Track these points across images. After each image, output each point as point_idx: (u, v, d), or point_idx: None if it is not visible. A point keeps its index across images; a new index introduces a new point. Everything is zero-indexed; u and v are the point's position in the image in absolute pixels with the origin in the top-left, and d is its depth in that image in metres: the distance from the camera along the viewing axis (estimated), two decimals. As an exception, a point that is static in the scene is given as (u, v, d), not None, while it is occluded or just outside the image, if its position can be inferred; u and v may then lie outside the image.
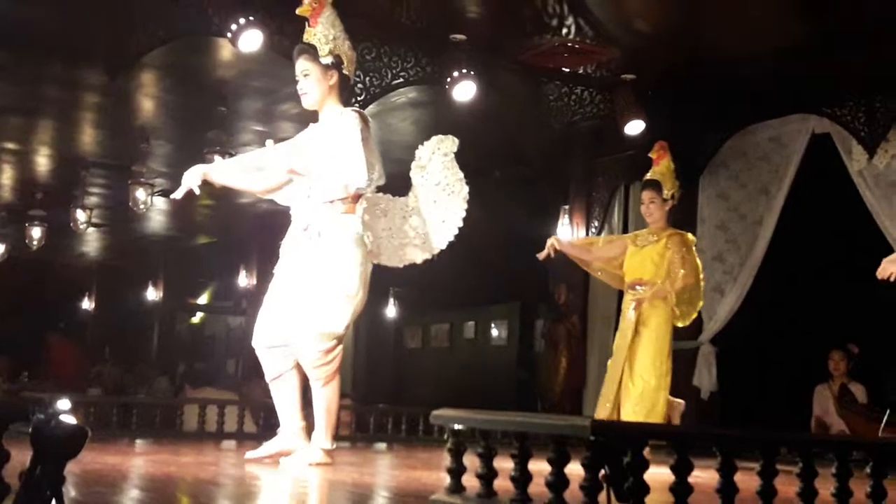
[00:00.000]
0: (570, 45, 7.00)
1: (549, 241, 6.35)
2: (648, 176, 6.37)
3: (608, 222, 8.87)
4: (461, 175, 4.79)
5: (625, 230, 8.61)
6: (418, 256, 4.78)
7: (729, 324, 8.13)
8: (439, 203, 4.74)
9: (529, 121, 7.63)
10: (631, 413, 5.96)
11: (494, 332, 11.72)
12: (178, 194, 4.69)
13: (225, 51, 7.13)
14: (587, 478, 2.48)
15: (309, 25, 4.70)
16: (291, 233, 4.63)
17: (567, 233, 9.06)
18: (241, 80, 7.99)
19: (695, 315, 6.34)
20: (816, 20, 6.50)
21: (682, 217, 8.33)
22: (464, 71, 6.97)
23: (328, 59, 4.63)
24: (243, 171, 4.83)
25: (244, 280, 14.20)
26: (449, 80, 7.01)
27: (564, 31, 6.81)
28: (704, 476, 2.93)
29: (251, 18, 6.20)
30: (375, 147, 4.67)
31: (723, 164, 8.33)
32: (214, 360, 16.51)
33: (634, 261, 6.19)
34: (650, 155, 6.42)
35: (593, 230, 8.90)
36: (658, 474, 2.68)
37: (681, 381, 8.14)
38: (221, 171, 4.87)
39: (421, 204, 4.75)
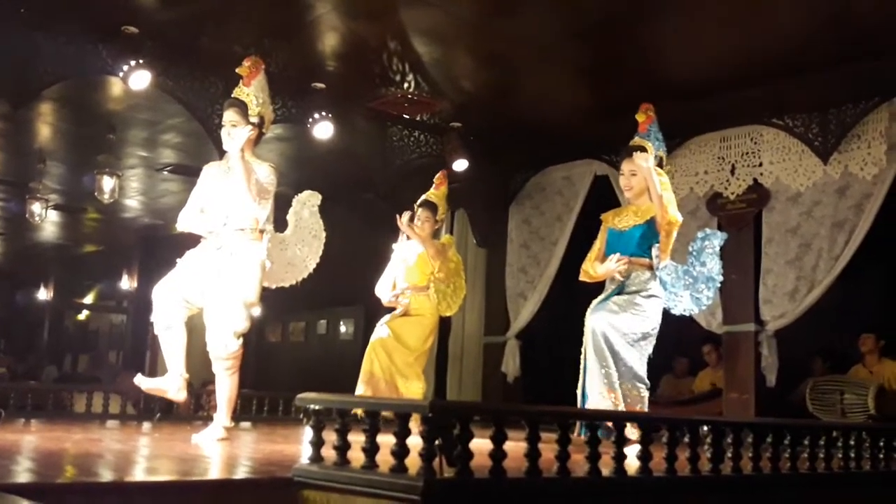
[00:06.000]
0: (410, 96, 7.08)
1: None
2: (429, 197, 6.20)
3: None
4: (322, 224, 5.12)
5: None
6: (286, 282, 5.09)
7: (530, 323, 8.30)
8: (305, 243, 5.06)
9: (376, 156, 7.65)
10: (403, 387, 5.95)
11: (342, 329, 11.61)
12: None
13: (115, 87, 6.82)
14: (425, 447, 2.48)
15: (242, 84, 4.68)
16: (204, 246, 4.68)
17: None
18: (128, 112, 7.66)
19: (457, 307, 6.24)
20: (595, 91, 6.86)
21: (495, 237, 8.61)
22: (323, 113, 6.92)
23: (255, 119, 4.65)
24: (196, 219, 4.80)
25: (126, 283, 13.55)
26: (310, 120, 6.94)
27: (406, 85, 6.88)
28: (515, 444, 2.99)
29: (140, 61, 5.97)
30: None
31: (527, 196, 8.48)
32: (97, 352, 15.67)
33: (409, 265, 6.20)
34: (434, 180, 6.34)
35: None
36: (480, 444, 2.72)
37: (492, 368, 8.41)
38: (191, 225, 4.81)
39: (294, 241, 5.03)
